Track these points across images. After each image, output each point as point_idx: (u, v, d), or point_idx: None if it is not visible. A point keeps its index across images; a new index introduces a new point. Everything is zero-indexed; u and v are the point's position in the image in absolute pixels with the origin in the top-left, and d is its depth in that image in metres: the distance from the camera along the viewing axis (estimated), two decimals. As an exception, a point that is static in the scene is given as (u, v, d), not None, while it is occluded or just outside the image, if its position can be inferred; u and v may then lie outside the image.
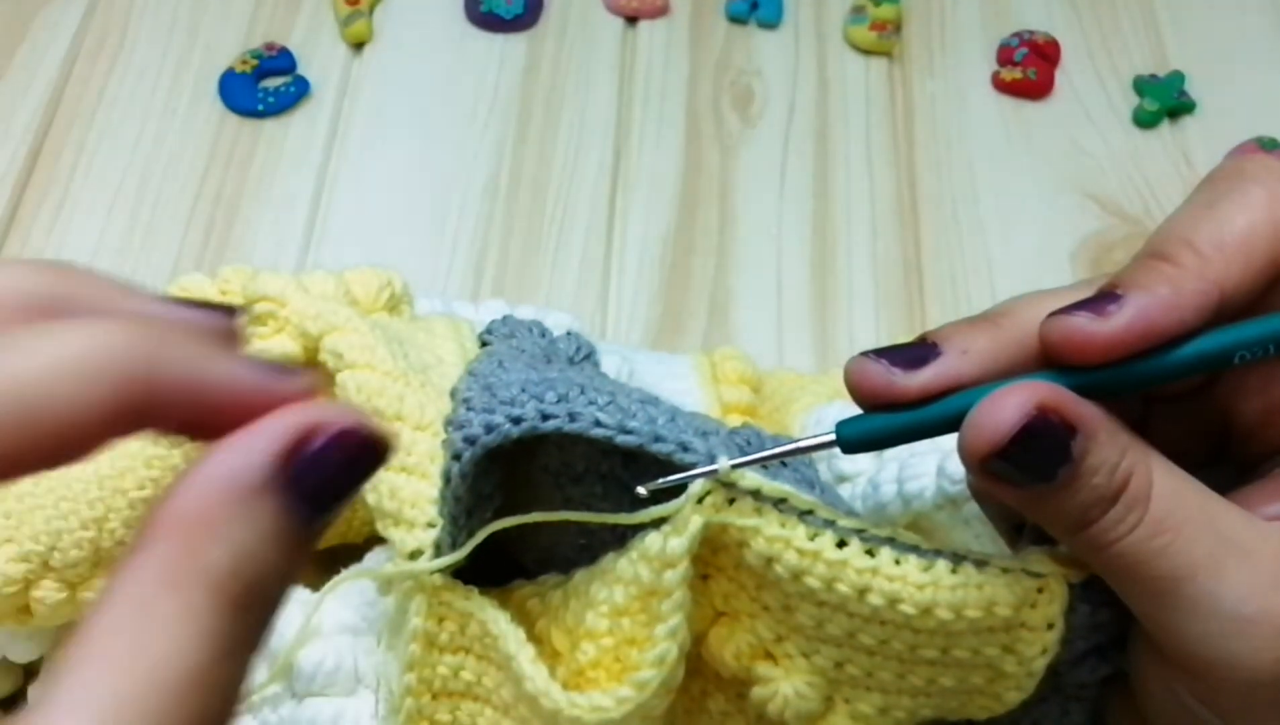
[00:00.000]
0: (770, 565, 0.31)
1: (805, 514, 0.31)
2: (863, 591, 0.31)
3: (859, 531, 0.31)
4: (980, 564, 0.31)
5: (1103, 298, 0.28)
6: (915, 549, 0.31)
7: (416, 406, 0.39)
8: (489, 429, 0.33)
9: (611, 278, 0.60)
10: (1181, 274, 0.28)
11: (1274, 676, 0.28)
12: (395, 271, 0.46)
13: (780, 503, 0.31)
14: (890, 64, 0.69)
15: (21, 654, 0.43)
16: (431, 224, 0.62)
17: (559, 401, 0.33)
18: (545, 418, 0.33)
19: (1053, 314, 0.29)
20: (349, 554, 0.41)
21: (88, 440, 0.20)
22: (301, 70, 0.66)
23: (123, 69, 0.66)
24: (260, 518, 0.21)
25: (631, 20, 0.70)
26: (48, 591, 0.40)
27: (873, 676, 0.32)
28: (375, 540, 0.40)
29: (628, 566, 0.32)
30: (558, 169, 0.64)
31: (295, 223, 0.61)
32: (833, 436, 0.30)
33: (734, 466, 0.31)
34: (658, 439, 0.32)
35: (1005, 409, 0.27)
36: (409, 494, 0.37)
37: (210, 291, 0.44)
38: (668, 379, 0.47)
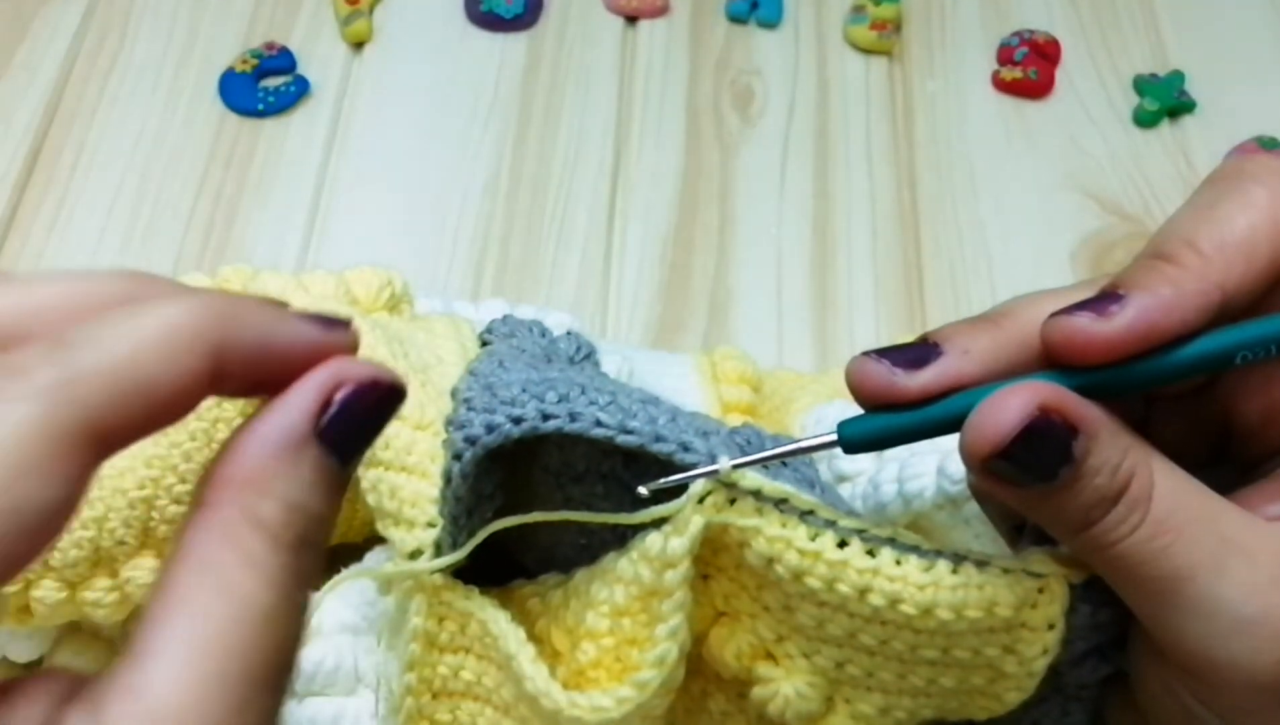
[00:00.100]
0: (771, 565, 0.31)
1: (806, 514, 0.31)
2: (863, 592, 0.31)
3: (860, 532, 0.31)
4: (981, 564, 0.31)
5: (1104, 298, 0.28)
6: (916, 549, 0.31)
7: (417, 406, 0.39)
8: (490, 429, 0.33)
9: (611, 277, 0.60)
10: (1183, 274, 0.28)
11: (1274, 677, 0.28)
12: (395, 271, 0.46)
13: (781, 503, 0.31)
14: (890, 63, 0.69)
15: (21, 654, 0.43)
16: (431, 224, 0.62)
17: (560, 401, 0.33)
18: (546, 418, 0.33)
19: (1054, 314, 0.29)
20: (349, 554, 0.41)
21: (185, 406, 0.23)
22: (301, 70, 0.66)
23: (123, 69, 0.66)
24: (302, 470, 0.23)
25: (631, 20, 0.70)
26: (47, 591, 0.40)
27: (873, 677, 0.32)
28: (375, 540, 0.40)
29: (628, 566, 0.32)
30: (558, 169, 0.64)
31: (295, 222, 0.61)
32: (834, 437, 0.30)
33: (735, 467, 0.31)
34: (659, 439, 0.32)
35: (1007, 409, 0.27)
36: (409, 494, 0.37)
37: (210, 291, 0.44)
38: (668, 378, 0.47)
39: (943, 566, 0.31)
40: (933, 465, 0.39)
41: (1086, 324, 0.28)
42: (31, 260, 0.59)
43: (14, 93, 0.64)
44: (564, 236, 0.62)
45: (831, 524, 0.31)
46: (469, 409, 0.34)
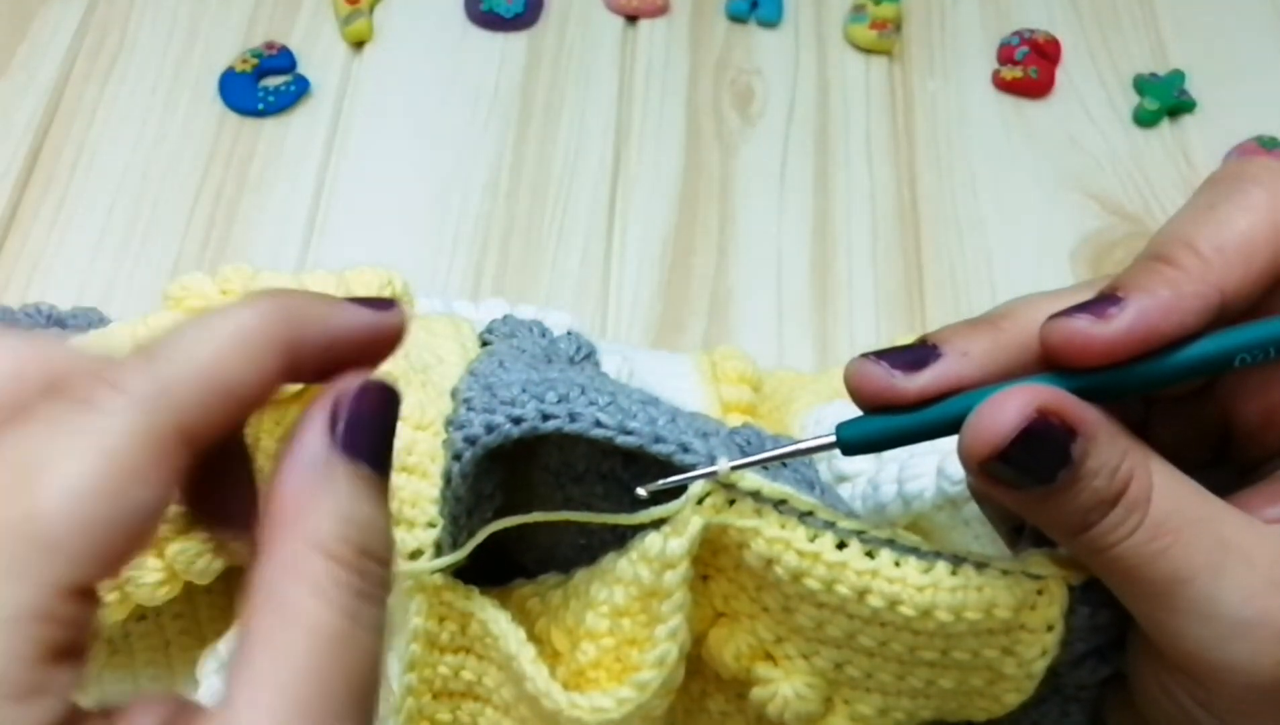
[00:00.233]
0: (770, 566, 0.31)
1: (805, 515, 0.31)
2: (862, 593, 0.31)
3: (859, 533, 0.31)
4: (980, 566, 0.31)
5: (1103, 300, 0.28)
6: (915, 551, 0.31)
7: (417, 406, 0.38)
8: (490, 429, 0.33)
9: (611, 277, 0.60)
10: (1182, 276, 0.28)
11: (1273, 679, 0.28)
12: (395, 270, 0.46)
13: (780, 504, 0.31)
14: (890, 63, 0.69)
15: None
16: (431, 223, 0.62)
17: (560, 401, 0.33)
18: (546, 418, 0.33)
19: (1053, 316, 0.29)
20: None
21: (263, 401, 0.24)
22: (301, 69, 0.66)
23: (123, 68, 0.66)
24: (338, 485, 0.24)
25: (631, 19, 0.70)
26: (48, 591, 0.40)
27: (872, 678, 0.33)
28: (375, 540, 0.40)
29: (628, 567, 0.32)
30: (558, 169, 0.64)
31: (295, 222, 0.61)
32: (833, 438, 0.30)
33: (734, 468, 0.31)
34: (658, 440, 0.32)
35: (1005, 411, 0.27)
36: (409, 494, 0.37)
37: (210, 291, 0.44)
38: (668, 378, 0.47)
39: (942, 568, 0.31)
40: (932, 466, 0.39)
41: (1085, 326, 0.28)
42: (31, 260, 0.59)
43: (14, 93, 0.64)
44: (564, 236, 0.62)
45: (830, 525, 0.31)
46: (469, 409, 0.34)
